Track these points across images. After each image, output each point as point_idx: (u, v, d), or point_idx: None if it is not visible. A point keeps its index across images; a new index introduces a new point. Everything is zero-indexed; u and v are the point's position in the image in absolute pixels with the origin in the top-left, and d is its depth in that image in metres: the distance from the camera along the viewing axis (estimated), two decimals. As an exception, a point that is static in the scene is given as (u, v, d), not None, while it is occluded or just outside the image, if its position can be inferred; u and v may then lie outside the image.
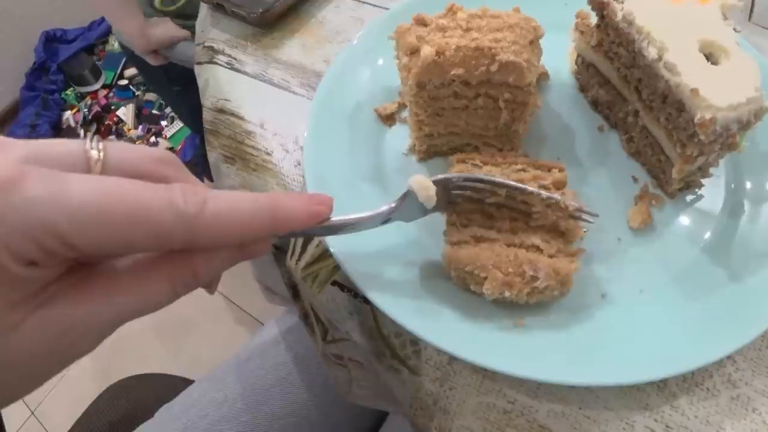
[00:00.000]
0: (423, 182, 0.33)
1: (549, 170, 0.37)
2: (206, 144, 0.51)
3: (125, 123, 1.72)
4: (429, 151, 0.42)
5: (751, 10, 0.54)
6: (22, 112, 1.75)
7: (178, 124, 1.68)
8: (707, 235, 0.38)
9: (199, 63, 0.56)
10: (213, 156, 0.50)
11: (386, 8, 0.55)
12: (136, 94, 1.77)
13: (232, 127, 0.49)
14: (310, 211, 0.27)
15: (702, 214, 0.39)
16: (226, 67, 0.53)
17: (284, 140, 0.46)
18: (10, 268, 0.20)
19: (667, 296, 0.36)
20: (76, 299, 0.23)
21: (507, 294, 0.34)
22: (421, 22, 0.39)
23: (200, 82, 0.55)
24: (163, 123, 1.70)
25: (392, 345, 0.38)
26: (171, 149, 1.65)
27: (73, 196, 0.21)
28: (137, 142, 1.67)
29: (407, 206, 0.33)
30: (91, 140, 0.24)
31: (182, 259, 0.25)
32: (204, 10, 0.60)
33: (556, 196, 0.34)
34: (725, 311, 0.35)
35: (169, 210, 0.22)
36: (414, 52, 0.38)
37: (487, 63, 0.36)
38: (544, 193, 0.34)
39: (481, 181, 0.34)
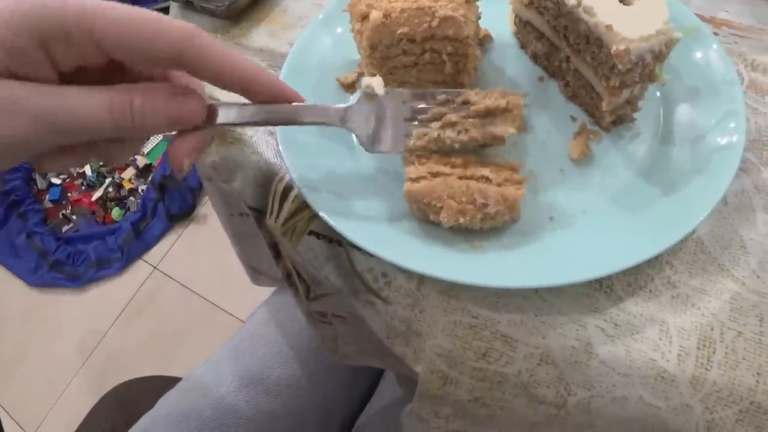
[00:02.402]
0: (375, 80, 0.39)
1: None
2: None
3: (103, 143, 1.74)
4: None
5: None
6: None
7: (155, 140, 1.71)
8: (641, 160, 0.43)
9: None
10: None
11: (342, -7, 0.60)
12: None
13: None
14: (285, 95, 0.35)
15: (636, 144, 0.44)
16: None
17: (256, 114, 0.50)
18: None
19: (607, 214, 0.41)
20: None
21: (461, 221, 0.38)
22: (369, -9, 0.43)
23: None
24: (141, 140, 1.73)
25: (366, 280, 0.42)
26: (149, 165, 1.68)
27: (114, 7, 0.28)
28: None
29: (366, 111, 0.39)
30: None
31: (127, 89, 0.30)
32: (174, 8, 0.64)
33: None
34: (658, 219, 0.39)
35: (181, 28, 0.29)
36: (365, 18, 0.42)
37: (429, 20, 0.40)
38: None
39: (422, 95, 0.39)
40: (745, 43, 0.52)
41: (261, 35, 0.58)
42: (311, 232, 0.44)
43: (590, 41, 0.41)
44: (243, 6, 0.59)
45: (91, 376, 1.45)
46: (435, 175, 0.39)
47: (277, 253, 0.51)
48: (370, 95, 0.39)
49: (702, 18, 0.54)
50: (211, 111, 0.34)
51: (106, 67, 0.31)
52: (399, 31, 0.41)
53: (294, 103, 0.36)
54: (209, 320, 1.46)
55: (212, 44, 0.30)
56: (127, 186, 1.65)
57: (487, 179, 0.39)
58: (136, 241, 1.56)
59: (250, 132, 0.50)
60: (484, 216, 0.38)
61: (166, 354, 1.44)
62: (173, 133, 0.34)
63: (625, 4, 0.40)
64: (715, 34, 0.52)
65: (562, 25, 0.43)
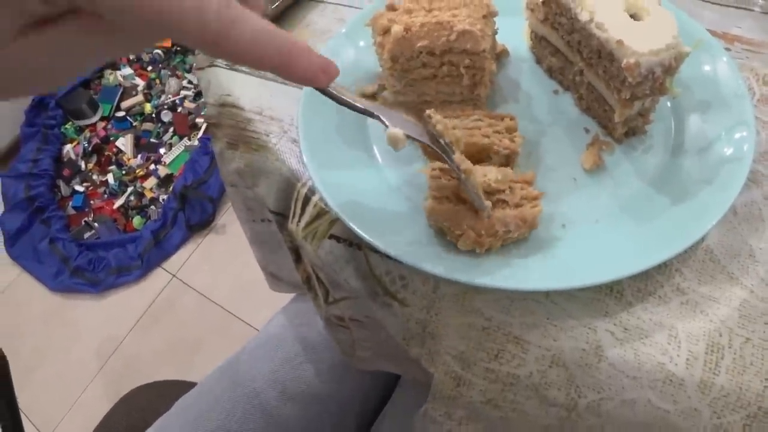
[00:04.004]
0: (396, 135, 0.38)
1: (501, 119, 0.43)
2: (211, 137, 0.57)
3: (125, 153, 1.78)
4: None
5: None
6: (23, 148, 1.82)
7: (176, 151, 1.74)
8: (652, 171, 0.44)
9: (200, 68, 0.62)
10: (218, 146, 0.57)
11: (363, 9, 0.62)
12: (134, 124, 1.84)
13: (234, 117, 0.55)
14: (317, 74, 0.29)
15: (647, 155, 0.45)
16: (225, 68, 0.59)
17: (280, 123, 0.53)
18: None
19: (618, 222, 0.42)
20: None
21: (477, 250, 0.39)
22: (391, 8, 0.45)
23: (203, 85, 0.61)
24: (161, 150, 1.77)
25: (383, 283, 0.43)
26: (170, 175, 1.71)
27: None
28: (138, 171, 1.73)
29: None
30: None
31: None
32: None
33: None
34: (668, 228, 0.40)
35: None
36: (386, 32, 0.44)
37: (447, 34, 0.42)
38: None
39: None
40: (757, 58, 0.53)
41: (285, 48, 0.60)
42: (331, 236, 0.46)
43: (602, 55, 0.42)
44: (269, 20, 0.61)
45: (107, 381, 1.47)
46: (457, 197, 0.40)
47: (297, 257, 0.53)
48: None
49: (714, 33, 0.55)
50: None
51: None
52: (419, 45, 0.43)
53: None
54: (226, 329, 1.48)
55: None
56: (149, 195, 1.69)
57: (505, 202, 0.40)
58: (156, 249, 1.59)
59: (274, 140, 0.52)
60: (504, 240, 0.40)
61: (182, 361, 1.46)
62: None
63: (635, 19, 0.42)
64: (727, 49, 0.54)
65: (575, 40, 0.45)
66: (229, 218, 1.67)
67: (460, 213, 0.40)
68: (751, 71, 0.52)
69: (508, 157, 0.43)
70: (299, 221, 0.48)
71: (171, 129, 1.80)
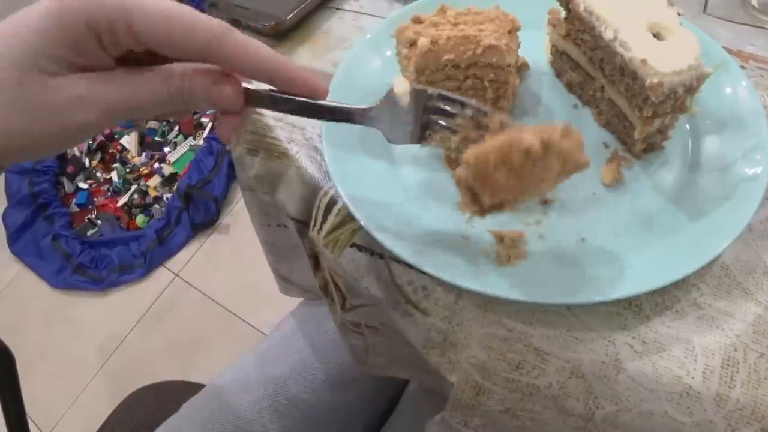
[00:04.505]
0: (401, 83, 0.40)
1: None
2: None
3: (129, 151, 1.78)
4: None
5: (706, 2, 0.62)
6: (29, 145, 1.81)
7: (181, 150, 1.75)
8: (670, 187, 0.45)
9: (219, 72, 0.63)
10: (237, 151, 0.57)
11: (383, 17, 0.63)
12: (138, 122, 1.84)
13: (254, 123, 0.56)
14: (308, 87, 0.36)
15: (665, 171, 0.46)
16: (245, 74, 0.60)
17: (302, 130, 0.53)
18: (84, 37, 0.31)
19: (637, 237, 0.43)
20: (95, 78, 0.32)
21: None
22: (417, 20, 0.46)
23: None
24: (166, 149, 1.77)
25: (405, 292, 0.44)
26: (175, 174, 1.72)
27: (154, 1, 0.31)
28: (142, 169, 1.74)
29: (387, 111, 0.39)
30: None
31: (180, 74, 0.34)
32: (220, 26, 0.67)
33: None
34: (686, 244, 0.41)
35: (211, 26, 0.32)
36: (412, 44, 0.45)
37: (473, 48, 0.43)
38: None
39: (450, 99, 0.38)
40: (771, 78, 0.54)
41: (304, 54, 0.61)
42: (353, 245, 0.47)
43: (625, 73, 0.43)
44: (288, 26, 0.62)
45: (108, 380, 1.48)
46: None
47: (316, 263, 0.53)
48: (391, 99, 0.39)
49: (730, 51, 0.56)
50: (248, 95, 0.36)
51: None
52: (445, 57, 0.44)
53: (320, 101, 0.38)
54: (227, 329, 1.49)
55: (241, 41, 0.33)
56: (153, 193, 1.69)
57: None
58: (159, 248, 1.59)
59: (295, 148, 0.52)
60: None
61: (183, 360, 1.46)
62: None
63: (658, 39, 0.43)
64: (743, 67, 0.55)
65: (598, 57, 0.46)
66: (232, 218, 1.67)
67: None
68: (766, 90, 0.53)
69: None
70: (320, 229, 0.48)
71: (176, 128, 1.80)
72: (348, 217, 0.47)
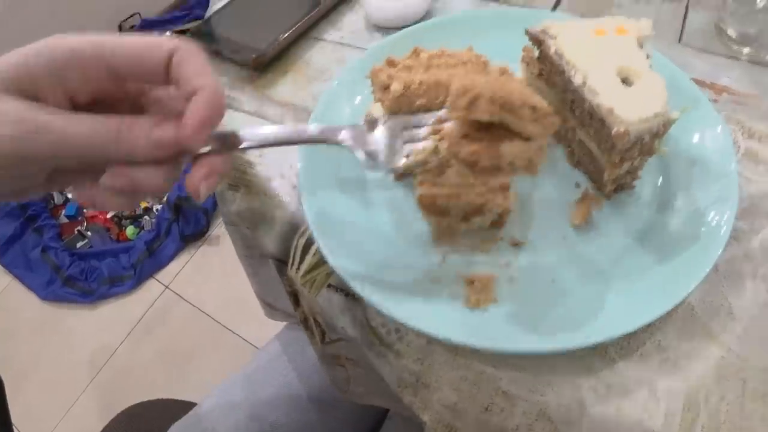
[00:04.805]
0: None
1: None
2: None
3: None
4: (404, 171, 0.50)
5: (681, 32, 0.63)
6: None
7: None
8: (639, 227, 0.46)
9: (200, 104, 0.63)
10: (218, 186, 0.58)
11: (363, 48, 0.64)
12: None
13: (235, 158, 0.56)
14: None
15: (635, 211, 0.47)
16: (227, 108, 0.61)
17: (280, 167, 0.54)
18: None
19: (605, 279, 0.43)
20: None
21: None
22: (391, 63, 0.47)
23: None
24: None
25: (379, 334, 0.45)
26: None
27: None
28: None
29: (364, 134, 0.41)
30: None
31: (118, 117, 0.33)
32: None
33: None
34: (653, 288, 0.42)
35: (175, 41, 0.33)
36: (386, 88, 0.45)
37: (445, 93, 0.44)
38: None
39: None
40: (744, 111, 0.55)
41: (286, 87, 0.62)
42: (330, 286, 0.47)
43: (594, 118, 0.44)
44: (269, 58, 0.63)
45: (99, 393, 1.48)
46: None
47: (295, 300, 0.54)
48: (371, 122, 0.42)
49: (703, 83, 0.57)
50: (216, 138, 0.36)
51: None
52: (417, 103, 0.44)
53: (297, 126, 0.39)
54: (218, 341, 1.49)
55: (193, 54, 0.33)
56: (143, 205, 1.70)
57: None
58: (149, 259, 1.60)
59: (274, 185, 0.53)
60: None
61: (174, 373, 1.47)
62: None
63: (627, 83, 0.44)
64: (715, 101, 0.56)
65: (569, 99, 0.47)
66: (222, 230, 1.68)
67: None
68: (737, 123, 0.54)
69: (501, 215, 0.44)
70: (298, 269, 0.49)
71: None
72: (324, 259, 0.47)
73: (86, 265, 1.60)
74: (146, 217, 1.68)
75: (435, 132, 0.42)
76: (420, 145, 0.42)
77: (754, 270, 0.45)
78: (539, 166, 0.39)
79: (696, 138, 0.49)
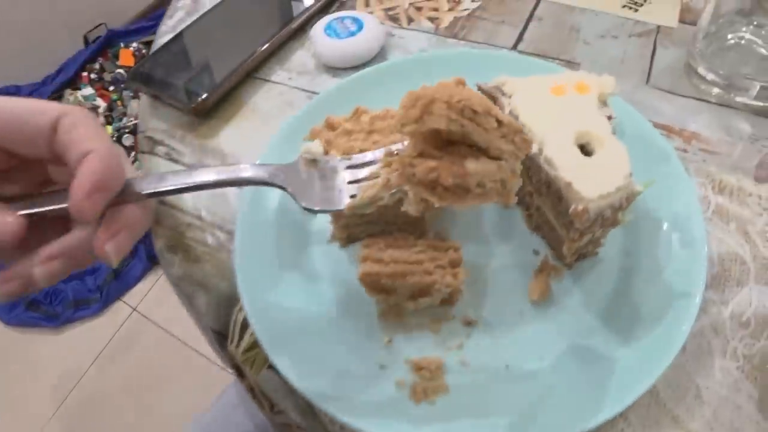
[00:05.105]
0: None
1: (446, 250, 0.41)
2: (152, 232, 0.54)
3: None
4: (349, 238, 0.46)
5: (649, 75, 0.59)
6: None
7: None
8: (602, 302, 0.43)
9: (142, 152, 0.59)
10: (158, 244, 0.54)
11: (313, 92, 0.60)
12: None
13: (173, 218, 0.52)
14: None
15: (597, 281, 0.44)
16: (165, 159, 0.56)
17: (219, 230, 0.50)
18: None
19: (565, 364, 0.40)
20: None
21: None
22: (330, 126, 0.43)
23: (143, 172, 0.58)
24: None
25: (323, 422, 0.41)
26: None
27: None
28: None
29: (301, 173, 0.38)
30: None
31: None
32: (143, 97, 0.63)
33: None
34: (617, 375, 0.39)
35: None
36: (324, 155, 0.42)
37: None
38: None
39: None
40: (714, 161, 0.52)
41: (229, 136, 0.57)
42: (270, 366, 0.44)
43: (551, 189, 0.40)
44: (211, 104, 0.58)
45: (66, 420, 1.43)
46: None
47: (239, 373, 0.50)
48: (309, 161, 0.39)
49: (671, 130, 0.54)
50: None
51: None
52: (358, 175, 0.41)
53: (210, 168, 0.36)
54: (187, 364, 1.45)
55: (83, 119, 0.31)
56: (108, 224, 1.64)
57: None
58: (116, 281, 1.55)
59: (212, 251, 0.49)
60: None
61: (143, 398, 1.43)
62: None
63: (587, 150, 0.40)
64: (684, 150, 0.53)
65: (525, 164, 0.43)
66: (192, 248, 1.63)
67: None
68: (707, 176, 0.51)
69: (451, 294, 0.41)
70: (238, 345, 0.45)
71: (132, 153, 1.75)
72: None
73: (51, 287, 1.54)
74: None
75: (387, 165, 0.38)
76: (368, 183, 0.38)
77: (723, 346, 0.42)
78: (511, 200, 0.36)
79: (663, 198, 0.46)
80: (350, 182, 0.39)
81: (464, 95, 0.31)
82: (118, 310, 1.55)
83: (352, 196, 0.38)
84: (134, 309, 1.54)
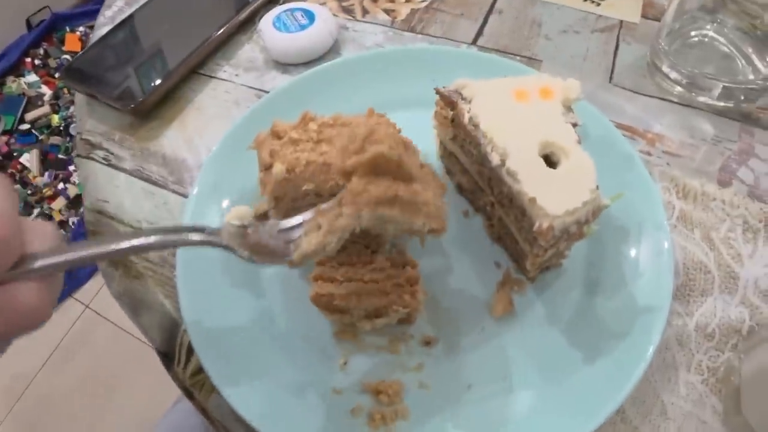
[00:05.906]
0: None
1: (403, 267, 0.38)
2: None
3: (30, 170, 1.64)
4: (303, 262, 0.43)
5: (612, 72, 0.58)
6: None
7: (89, 168, 1.62)
8: (566, 316, 0.41)
9: (78, 156, 0.55)
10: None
11: (262, 89, 0.56)
12: (40, 138, 1.69)
13: (111, 229, 0.48)
14: None
15: (562, 294, 0.42)
16: (104, 164, 0.52)
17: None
18: None
19: (529, 382, 0.38)
20: None
21: None
22: (276, 134, 0.40)
23: (80, 178, 0.54)
24: (71, 168, 1.64)
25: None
26: (81, 196, 1.59)
27: None
28: (45, 190, 1.60)
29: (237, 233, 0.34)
30: None
31: None
32: (79, 96, 0.59)
33: None
34: (582, 394, 0.37)
35: None
36: (268, 168, 0.38)
37: (335, 177, 0.37)
38: None
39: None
40: (678, 164, 0.51)
41: (172, 138, 0.53)
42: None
43: (514, 203, 0.38)
44: (151, 104, 0.54)
45: (18, 424, 1.37)
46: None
47: (188, 394, 0.47)
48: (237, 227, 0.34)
49: (635, 132, 0.53)
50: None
51: None
52: (304, 188, 0.38)
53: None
54: (143, 361, 1.40)
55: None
56: (57, 217, 1.57)
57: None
58: (66, 278, 1.47)
59: (155, 266, 0.46)
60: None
61: (98, 398, 1.38)
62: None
63: (551, 161, 0.38)
64: (648, 153, 0.51)
65: (485, 175, 0.41)
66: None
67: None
68: (671, 181, 0.49)
69: (409, 314, 0.39)
70: (185, 368, 0.42)
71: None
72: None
73: None
74: (61, 230, 1.55)
75: (320, 214, 0.35)
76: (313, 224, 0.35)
77: (688, 359, 0.41)
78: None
79: (629, 207, 0.44)
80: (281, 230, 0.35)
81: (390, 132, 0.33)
82: (70, 307, 1.48)
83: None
84: (87, 306, 1.48)
